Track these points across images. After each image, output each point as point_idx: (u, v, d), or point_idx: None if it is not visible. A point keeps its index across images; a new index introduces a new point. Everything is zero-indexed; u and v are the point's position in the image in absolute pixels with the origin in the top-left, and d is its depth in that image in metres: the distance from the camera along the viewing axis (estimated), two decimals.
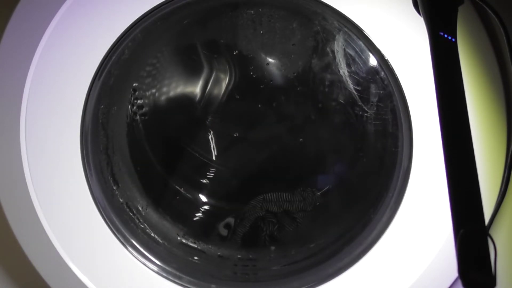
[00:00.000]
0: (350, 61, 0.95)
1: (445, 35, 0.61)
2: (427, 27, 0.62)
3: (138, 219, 0.95)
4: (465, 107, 0.58)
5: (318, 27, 0.96)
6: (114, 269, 0.83)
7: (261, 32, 1.01)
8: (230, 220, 1.05)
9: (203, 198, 1.09)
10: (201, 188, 1.09)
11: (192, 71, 1.08)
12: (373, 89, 0.94)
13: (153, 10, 0.78)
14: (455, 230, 0.53)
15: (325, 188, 1.06)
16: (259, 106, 1.08)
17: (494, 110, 0.73)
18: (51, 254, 0.81)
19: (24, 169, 0.79)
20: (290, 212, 1.05)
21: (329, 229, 0.99)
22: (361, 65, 0.94)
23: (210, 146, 1.10)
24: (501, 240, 0.73)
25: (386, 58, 0.76)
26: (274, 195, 1.05)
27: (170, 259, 0.91)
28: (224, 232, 1.04)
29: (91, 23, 0.78)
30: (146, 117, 1.05)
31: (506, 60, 0.70)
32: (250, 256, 1.00)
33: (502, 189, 0.71)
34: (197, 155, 1.10)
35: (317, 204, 1.05)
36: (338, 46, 0.95)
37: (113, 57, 0.83)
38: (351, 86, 0.97)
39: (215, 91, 1.08)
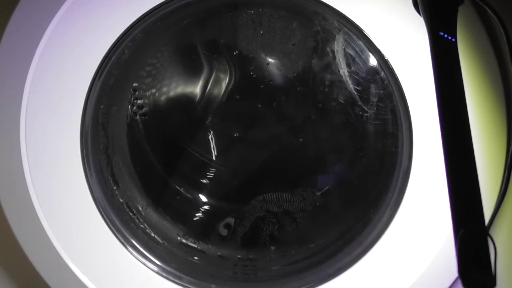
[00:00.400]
0: (350, 61, 0.95)
1: (445, 35, 0.61)
2: (427, 27, 0.62)
3: (138, 219, 0.95)
4: (465, 107, 0.58)
5: (318, 27, 0.96)
6: (114, 269, 0.83)
7: (261, 32, 1.01)
8: (230, 220, 1.05)
9: (203, 198, 1.09)
10: (201, 188, 1.09)
11: (192, 71, 1.08)
12: (373, 89, 0.94)
13: (153, 10, 0.78)
14: (455, 230, 0.53)
15: (325, 188, 1.06)
16: (259, 106, 1.07)
17: (494, 110, 0.73)
18: (51, 254, 0.80)
19: (24, 169, 0.79)
20: (290, 212, 1.04)
21: (329, 229, 0.99)
22: (361, 65, 0.94)
23: (210, 146, 1.10)
24: (501, 240, 0.73)
25: (386, 58, 0.76)
26: (274, 195, 1.05)
27: (170, 259, 0.91)
28: (224, 232, 1.04)
29: (91, 23, 0.77)
30: (146, 117, 1.05)
31: (506, 60, 0.70)
32: (250, 256, 1.00)
33: (502, 189, 0.71)
34: (197, 155, 1.10)
35: (317, 204, 1.05)
36: (338, 46, 0.95)
37: (113, 57, 0.83)
38: (351, 86, 0.97)
39: (215, 91, 1.08)
